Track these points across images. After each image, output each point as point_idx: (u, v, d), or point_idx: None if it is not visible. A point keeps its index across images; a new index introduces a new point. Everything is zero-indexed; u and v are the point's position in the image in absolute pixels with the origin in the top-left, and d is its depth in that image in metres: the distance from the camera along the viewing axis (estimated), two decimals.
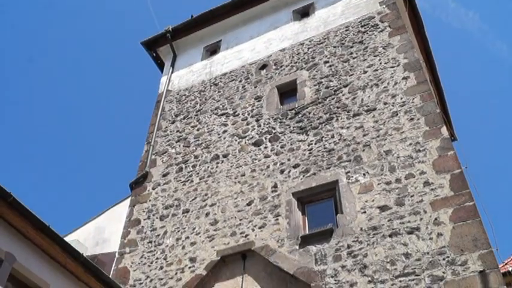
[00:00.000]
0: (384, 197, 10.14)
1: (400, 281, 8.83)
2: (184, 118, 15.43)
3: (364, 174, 10.74)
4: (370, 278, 9.11)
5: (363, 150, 11.22)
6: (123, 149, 45.33)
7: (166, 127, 15.52)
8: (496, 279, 8.17)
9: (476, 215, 9.04)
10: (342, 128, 12.00)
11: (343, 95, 12.78)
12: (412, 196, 9.86)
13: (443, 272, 8.60)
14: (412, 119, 11.18)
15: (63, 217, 42.02)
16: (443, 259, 8.75)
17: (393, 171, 10.45)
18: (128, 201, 14.19)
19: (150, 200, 13.57)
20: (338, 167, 11.20)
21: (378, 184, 10.40)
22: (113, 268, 12.57)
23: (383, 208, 9.96)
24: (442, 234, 9.06)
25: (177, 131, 15.10)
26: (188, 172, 13.58)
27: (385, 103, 11.89)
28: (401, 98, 11.74)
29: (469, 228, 8.91)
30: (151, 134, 15.51)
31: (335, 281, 9.39)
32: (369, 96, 12.28)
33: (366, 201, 10.25)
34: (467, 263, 8.53)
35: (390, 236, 9.49)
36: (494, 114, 40.93)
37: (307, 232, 10.59)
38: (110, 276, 11.52)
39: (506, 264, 15.05)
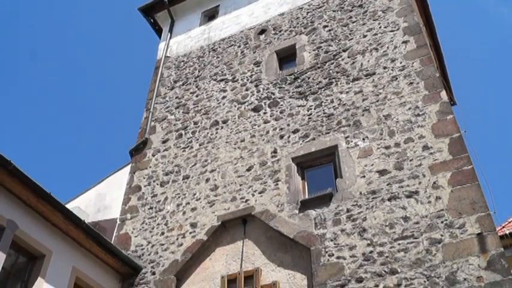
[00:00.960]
0: (383, 161, 10.17)
1: (399, 244, 8.94)
2: (183, 84, 15.34)
3: (363, 139, 10.75)
4: (369, 241, 9.23)
5: (362, 114, 11.20)
6: (123, 116, 45.24)
7: (165, 93, 15.44)
8: (494, 242, 8.27)
9: (474, 178, 9.09)
10: (341, 92, 11.94)
11: (342, 59, 12.67)
12: (411, 160, 9.89)
13: (442, 235, 8.71)
14: (411, 83, 11.12)
15: (64, 185, 42.29)
16: (442, 222, 8.84)
17: (392, 136, 10.46)
18: (128, 168, 14.24)
19: (150, 167, 13.62)
20: (337, 132, 11.21)
21: (377, 148, 10.43)
22: (114, 234, 12.72)
23: (382, 172, 10.01)
24: (440, 197, 9.14)
25: (176, 98, 15.03)
26: (188, 138, 13.59)
27: (384, 67, 11.81)
28: (401, 62, 11.65)
29: (467, 192, 8.97)
30: (150, 100, 15.45)
31: (334, 244, 9.51)
32: (369, 61, 12.18)
33: (365, 166, 10.29)
34: (465, 225, 8.62)
35: (389, 199, 9.57)
36: (494, 79, 40.70)
37: (306, 197, 10.67)
38: (112, 242, 11.67)
39: (503, 227, 15.21)
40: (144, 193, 13.07)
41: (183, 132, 13.86)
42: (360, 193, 9.94)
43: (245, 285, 9.97)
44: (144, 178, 13.44)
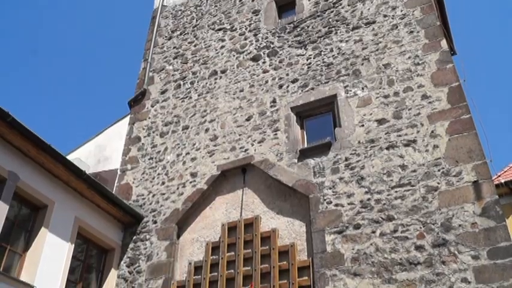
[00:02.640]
0: (381, 111, 10.19)
1: (396, 192, 9.09)
2: (180, 34, 15.12)
3: (362, 88, 10.72)
4: (366, 189, 9.37)
5: (362, 64, 11.12)
6: (122, 67, 44.81)
7: (163, 44, 15.25)
8: (489, 189, 8.40)
9: (472, 127, 9.14)
10: (341, 41, 11.80)
11: (342, 7, 12.44)
12: (409, 109, 9.91)
13: (438, 183, 8.83)
14: (411, 31, 10.98)
15: (64, 137, 42.42)
16: (439, 170, 8.95)
17: (392, 85, 10.43)
18: (127, 119, 14.25)
19: (149, 118, 13.64)
20: (337, 81, 11.16)
21: (376, 98, 10.42)
22: (115, 185, 12.87)
23: (381, 121, 10.04)
24: (438, 146, 9.21)
25: (174, 48, 14.86)
26: (186, 89, 13.54)
27: (384, 16, 11.62)
28: (402, 10, 11.46)
29: (464, 140, 9.04)
30: (148, 51, 15.28)
31: (333, 192, 9.66)
32: (369, 9, 11.97)
33: (364, 115, 10.31)
34: (462, 173, 8.73)
35: (387, 148, 9.65)
36: (495, 29, 40.08)
37: (305, 146, 10.75)
38: (113, 192, 11.83)
39: (499, 176, 15.40)
40: (144, 144, 13.15)
41: (181, 82, 13.79)
42: (359, 142, 10.01)
43: (245, 233, 10.19)
44: (143, 129, 13.48)
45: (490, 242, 7.92)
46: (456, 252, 8.07)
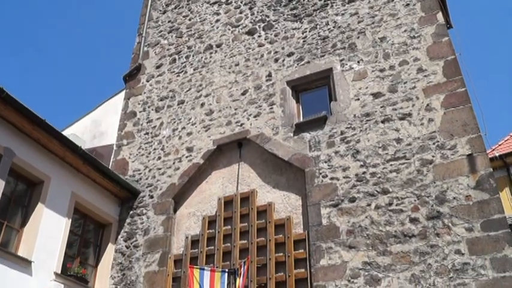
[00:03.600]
0: (377, 84, 10.16)
1: (391, 165, 9.14)
2: (175, 8, 14.92)
3: (358, 62, 10.67)
4: (362, 163, 9.42)
5: (358, 37, 11.04)
6: (117, 41, 44.35)
7: (158, 18, 15.06)
8: (483, 162, 8.46)
9: (467, 100, 9.15)
10: (337, 14, 11.69)
11: None
12: (405, 83, 9.89)
13: (433, 156, 8.88)
14: (408, 4, 10.88)
15: (60, 112, 42.23)
16: (433, 143, 8.99)
17: (387, 58, 10.38)
18: (122, 94, 14.18)
19: (144, 92, 13.57)
20: (332, 55, 11.10)
21: (372, 71, 10.38)
22: (111, 160, 12.87)
23: (376, 95, 10.03)
24: (433, 119, 9.22)
25: (169, 21, 14.68)
26: (182, 63, 13.44)
27: None
28: None
29: (459, 114, 9.05)
30: (143, 25, 15.10)
31: (328, 166, 9.70)
32: None
33: (360, 89, 10.29)
34: (456, 147, 8.77)
35: (382, 122, 9.66)
36: (491, 2, 39.73)
37: (301, 120, 10.75)
38: (109, 167, 11.84)
39: (493, 150, 15.50)
40: (140, 119, 13.11)
41: (176, 57, 13.68)
42: (354, 116, 10.01)
43: (241, 207, 10.27)
44: (139, 104, 13.43)
45: (483, 214, 8.01)
46: (450, 224, 8.17)
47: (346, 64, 10.77)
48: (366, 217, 8.86)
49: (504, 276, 7.45)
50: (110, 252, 11.22)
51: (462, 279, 7.71)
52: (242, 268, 9.07)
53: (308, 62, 11.32)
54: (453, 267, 7.84)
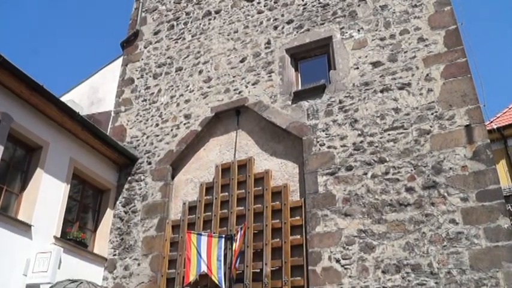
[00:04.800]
0: (377, 53, 10.09)
1: (389, 135, 9.16)
2: None
3: (358, 30, 10.56)
4: (359, 132, 9.43)
5: (358, 5, 10.89)
6: (114, 6, 43.70)
7: None
8: (481, 133, 8.48)
9: (467, 71, 9.10)
10: None
11: None
12: (405, 52, 9.82)
13: (431, 126, 8.89)
14: None
15: (57, 79, 41.96)
16: (432, 114, 8.99)
17: (388, 27, 10.27)
18: (120, 61, 14.07)
19: (142, 59, 13.46)
20: (332, 23, 10.97)
21: (372, 40, 10.29)
22: (109, 126, 12.87)
23: (376, 64, 9.97)
24: (432, 89, 9.20)
25: None
26: (180, 30, 13.29)
27: None
28: None
29: (459, 84, 9.02)
30: None
31: (326, 134, 9.72)
32: None
33: (359, 57, 10.22)
34: (455, 117, 8.78)
35: (381, 91, 9.63)
36: None
37: (299, 88, 10.71)
38: (107, 134, 11.85)
39: (491, 122, 15.51)
40: (137, 85, 13.05)
41: (174, 23, 13.51)
42: (353, 85, 9.98)
43: (238, 174, 10.33)
44: (136, 70, 13.34)
45: (479, 184, 8.08)
46: (445, 194, 8.25)
47: (346, 32, 10.66)
48: (362, 186, 8.94)
49: (497, 246, 7.57)
50: (108, 217, 11.35)
51: (455, 247, 7.83)
52: (239, 234, 9.20)
53: (308, 30, 11.20)
54: (447, 236, 7.95)
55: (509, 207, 11.12)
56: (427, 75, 9.37)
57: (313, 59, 11.16)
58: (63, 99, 12.11)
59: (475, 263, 7.60)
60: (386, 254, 8.24)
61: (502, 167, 15.01)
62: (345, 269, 8.41)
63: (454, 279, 7.63)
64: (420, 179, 8.55)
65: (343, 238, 8.66)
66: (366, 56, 10.16)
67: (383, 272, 8.14)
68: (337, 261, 8.51)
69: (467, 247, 7.76)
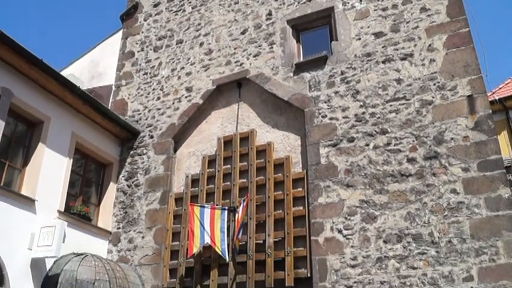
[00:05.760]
0: (379, 24, 9.98)
1: (391, 106, 9.13)
2: None
3: (360, 0, 10.42)
4: (361, 103, 9.41)
5: None
6: None
7: None
8: (483, 103, 8.46)
9: (470, 41, 9.02)
10: None
11: None
12: (407, 22, 9.71)
13: (433, 97, 8.86)
14: None
15: (57, 53, 41.69)
16: (434, 84, 8.95)
17: None
18: (120, 34, 13.95)
19: (142, 32, 13.35)
20: None
21: (374, 10, 10.16)
22: (110, 100, 12.85)
23: (378, 35, 9.87)
24: (434, 60, 9.13)
25: None
26: (180, 1, 13.12)
27: None
28: None
29: (461, 54, 8.95)
30: None
31: (328, 106, 9.70)
32: None
33: (361, 28, 10.11)
34: (457, 88, 8.74)
35: (383, 62, 9.57)
36: None
37: (301, 59, 10.64)
38: (109, 108, 11.83)
39: (493, 93, 15.43)
40: (138, 59, 12.98)
41: None
42: (355, 55, 9.91)
43: (241, 146, 10.35)
44: (137, 44, 13.24)
45: (480, 155, 8.10)
46: (447, 164, 8.27)
47: (348, 3, 10.53)
48: (364, 157, 8.96)
49: (497, 215, 7.64)
50: (111, 191, 11.43)
51: (456, 217, 7.90)
52: (241, 205, 9.27)
53: (309, 1, 11.06)
54: (448, 206, 8.01)
55: (510, 177, 11.17)
56: (430, 45, 9.29)
57: (314, 30, 11.05)
58: (63, 73, 12.06)
59: (476, 232, 7.68)
60: (388, 224, 8.31)
61: (503, 138, 14.99)
62: (347, 239, 8.50)
63: (455, 248, 7.72)
64: (422, 150, 8.56)
65: (345, 209, 8.73)
66: (368, 27, 10.05)
67: (384, 241, 8.23)
68: (339, 231, 8.60)
69: (468, 216, 7.82)
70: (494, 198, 7.75)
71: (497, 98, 15.16)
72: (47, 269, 9.18)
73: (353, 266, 8.30)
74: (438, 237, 7.89)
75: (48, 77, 9.78)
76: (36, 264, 9.03)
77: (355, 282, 8.18)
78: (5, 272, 8.45)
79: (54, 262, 9.23)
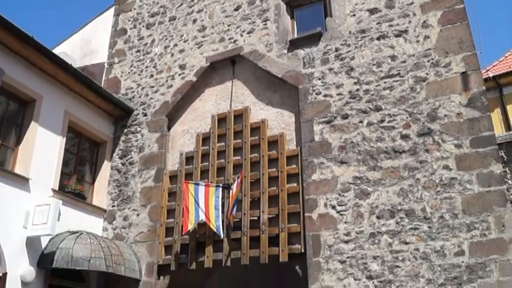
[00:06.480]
0: (374, 0, 9.90)
1: (385, 82, 9.13)
2: None
3: None
4: (356, 80, 9.40)
5: None
6: None
7: None
8: (477, 80, 8.47)
9: (464, 17, 8.99)
10: None
11: None
12: None
13: (427, 73, 8.86)
14: None
15: (48, 31, 41.17)
16: (428, 61, 8.94)
17: None
18: (112, 11, 13.78)
19: (134, 9, 13.18)
20: None
21: None
22: (103, 78, 12.76)
23: (372, 11, 9.81)
24: (429, 36, 9.11)
25: None
26: None
27: None
28: None
29: (456, 31, 8.93)
30: None
31: (322, 83, 9.68)
32: None
33: (356, 4, 10.04)
34: (451, 64, 8.74)
35: (378, 38, 9.53)
36: None
37: (295, 36, 10.57)
38: (101, 86, 11.74)
39: (488, 70, 15.44)
40: (131, 36, 12.85)
41: None
42: (349, 32, 9.85)
43: (235, 124, 10.35)
44: (129, 21, 13.10)
45: (473, 131, 8.15)
46: (440, 141, 8.32)
47: None
48: (358, 133, 8.99)
49: (489, 191, 7.73)
50: (106, 170, 11.43)
51: (448, 193, 7.98)
52: (235, 182, 9.31)
53: None
54: (440, 182, 8.09)
55: (502, 153, 11.24)
56: (424, 22, 9.25)
57: (309, 6, 10.96)
58: (55, 51, 11.93)
59: (467, 208, 7.77)
60: (381, 200, 8.39)
61: (496, 115, 15.06)
62: (341, 215, 8.58)
63: (447, 224, 7.82)
64: (415, 126, 8.59)
65: (339, 185, 8.78)
66: (363, 3, 9.98)
67: (377, 217, 8.32)
68: (333, 207, 8.68)
69: (460, 192, 7.90)
70: (486, 174, 7.83)
71: (491, 75, 15.17)
72: (43, 247, 9.22)
73: (346, 242, 8.39)
74: (430, 213, 7.98)
75: (39, 55, 9.67)
76: (32, 242, 9.06)
77: (348, 257, 8.29)
78: (0, 250, 8.48)
79: (50, 240, 9.27)
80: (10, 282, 8.51)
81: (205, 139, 10.59)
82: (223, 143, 10.32)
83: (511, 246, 7.34)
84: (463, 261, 7.53)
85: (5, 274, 8.46)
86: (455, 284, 7.47)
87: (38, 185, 9.44)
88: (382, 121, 8.88)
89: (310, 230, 8.70)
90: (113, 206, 11.02)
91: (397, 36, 9.40)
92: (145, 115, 11.56)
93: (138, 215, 10.63)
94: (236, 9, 11.45)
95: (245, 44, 10.94)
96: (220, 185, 9.72)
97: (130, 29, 12.93)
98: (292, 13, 11.01)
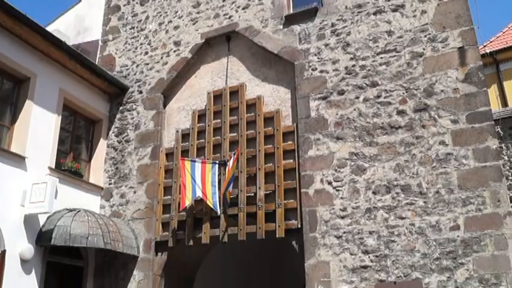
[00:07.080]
0: None
1: (381, 58, 9.07)
2: None
3: None
4: (352, 56, 9.33)
5: None
6: None
7: None
8: (474, 55, 8.43)
9: None
10: None
11: None
12: None
13: (424, 49, 8.81)
14: None
15: (41, 8, 40.65)
16: (425, 36, 8.87)
17: None
18: None
19: None
20: None
21: None
22: (97, 56, 12.64)
23: None
24: (426, 11, 9.02)
25: None
26: None
27: None
28: None
29: (453, 5, 8.84)
30: None
31: (318, 58, 9.61)
32: None
33: None
34: (448, 39, 8.68)
35: (374, 13, 9.43)
36: None
37: (291, 11, 10.44)
38: (96, 63, 11.65)
39: (485, 46, 15.36)
40: (124, 13, 12.69)
41: None
42: (346, 7, 9.75)
43: (230, 100, 10.31)
44: None
45: (469, 107, 8.14)
46: (436, 116, 8.32)
47: None
48: (354, 109, 8.97)
49: (485, 166, 7.76)
50: (102, 147, 11.41)
51: (444, 168, 8.01)
52: (232, 159, 9.31)
53: None
54: (436, 157, 8.11)
55: (498, 129, 11.27)
56: None
57: None
58: (49, 29, 11.80)
59: (463, 183, 7.81)
60: (377, 176, 8.42)
61: (493, 91, 15.04)
62: (337, 190, 8.62)
63: (442, 199, 7.86)
64: (412, 102, 8.58)
65: (335, 161, 8.80)
66: None
67: (374, 192, 8.36)
68: (329, 183, 8.71)
69: (456, 168, 7.93)
70: (482, 150, 7.85)
71: (488, 51, 15.11)
72: (41, 225, 9.27)
73: (342, 217, 8.45)
74: (426, 188, 8.02)
75: (32, 33, 9.56)
76: (29, 220, 9.10)
77: (344, 232, 8.35)
78: None
79: (47, 218, 9.31)
80: (9, 260, 8.59)
81: (201, 116, 10.55)
82: (219, 120, 10.29)
83: (506, 220, 7.41)
84: (458, 236, 7.60)
85: (3, 252, 8.51)
86: (450, 258, 7.56)
87: (35, 164, 9.43)
88: (378, 97, 8.85)
89: (307, 206, 8.75)
90: (110, 184, 11.03)
91: (393, 11, 9.31)
92: (140, 92, 11.50)
93: (135, 192, 10.65)
94: None
95: (240, 20, 10.82)
96: (217, 161, 9.73)
97: (124, 5, 12.77)
98: None
